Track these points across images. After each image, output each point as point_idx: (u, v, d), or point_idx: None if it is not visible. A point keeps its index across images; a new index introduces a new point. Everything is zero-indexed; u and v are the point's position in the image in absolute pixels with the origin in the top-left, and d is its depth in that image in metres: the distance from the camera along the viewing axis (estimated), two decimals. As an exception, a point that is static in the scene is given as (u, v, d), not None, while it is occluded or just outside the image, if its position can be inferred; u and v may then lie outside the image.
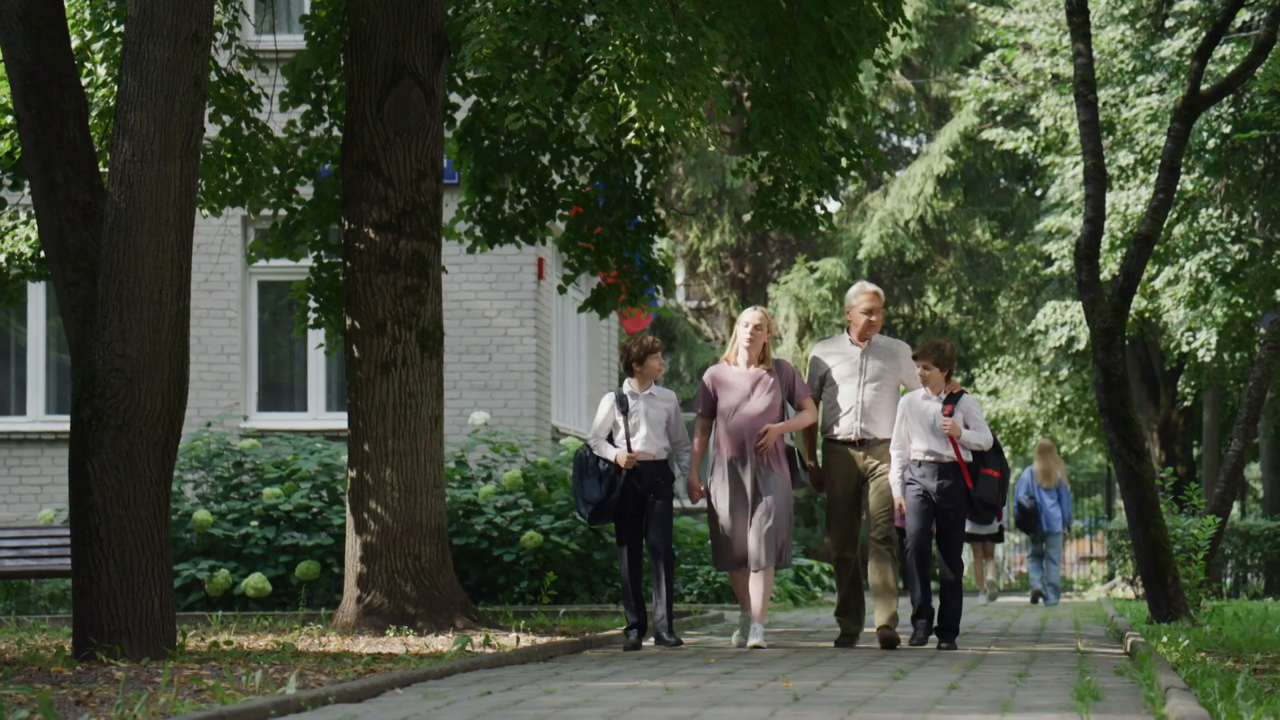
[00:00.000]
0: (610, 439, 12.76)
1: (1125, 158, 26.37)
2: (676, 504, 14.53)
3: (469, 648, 11.70)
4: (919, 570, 12.61)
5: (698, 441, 12.86)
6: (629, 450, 12.64)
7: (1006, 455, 38.54)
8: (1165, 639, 12.40)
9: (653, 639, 12.85)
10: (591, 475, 12.71)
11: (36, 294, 20.87)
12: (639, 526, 12.76)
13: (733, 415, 12.62)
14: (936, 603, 12.72)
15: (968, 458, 12.50)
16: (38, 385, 21.30)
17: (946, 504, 12.45)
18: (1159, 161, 16.40)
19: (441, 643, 12.32)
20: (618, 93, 12.68)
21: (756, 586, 12.59)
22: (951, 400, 12.52)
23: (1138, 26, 26.78)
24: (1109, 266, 25.08)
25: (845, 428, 12.86)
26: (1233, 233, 26.16)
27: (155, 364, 10.59)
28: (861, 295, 13.09)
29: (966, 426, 12.50)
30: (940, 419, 12.45)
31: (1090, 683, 8.77)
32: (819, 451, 13.21)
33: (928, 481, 12.46)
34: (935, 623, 12.68)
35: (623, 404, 12.77)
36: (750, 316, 12.85)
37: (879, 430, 12.81)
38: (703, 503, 12.94)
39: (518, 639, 12.64)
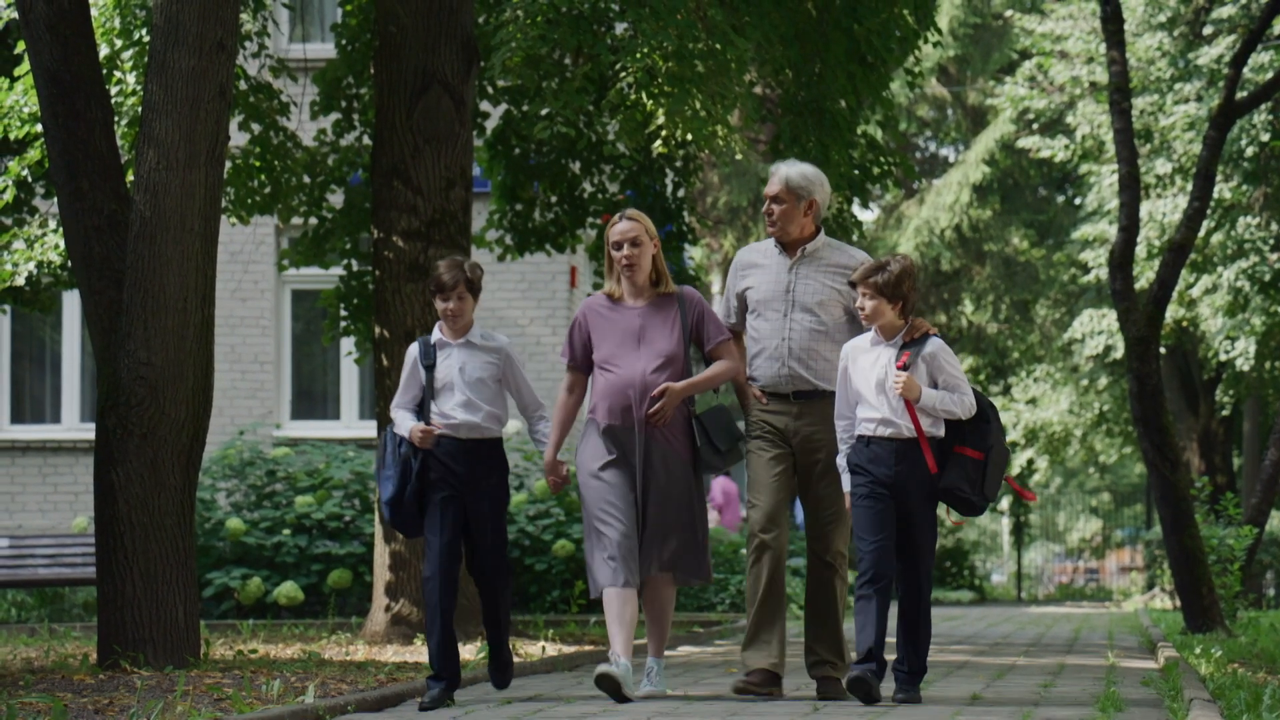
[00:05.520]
0: (421, 409, 8.94)
1: (1163, 166, 26.22)
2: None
3: (494, 657, 11.65)
4: (877, 603, 8.40)
5: (562, 404, 9.25)
6: (427, 422, 8.81)
7: (1044, 465, 37.63)
8: (1198, 650, 12.30)
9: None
10: (391, 462, 8.83)
11: (71, 302, 20.92)
12: (457, 535, 8.80)
13: (615, 368, 9.00)
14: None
15: (932, 430, 8.44)
16: (72, 393, 21.36)
17: (910, 499, 8.46)
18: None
19: (468, 652, 12.29)
20: (645, 101, 12.65)
21: (653, 605, 9.02)
22: (913, 346, 8.50)
23: (1175, 34, 26.65)
24: (1146, 275, 24.94)
25: (768, 374, 9.02)
26: (1271, 241, 25.97)
27: (180, 372, 10.59)
28: (773, 178, 9.19)
29: (935, 385, 8.48)
30: (891, 372, 8.45)
31: (1114, 693, 8.69)
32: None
33: (881, 470, 8.42)
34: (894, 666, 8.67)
35: (428, 356, 8.94)
36: (622, 228, 8.99)
37: (820, 379, 8.95)
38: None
39: (544, 648, 12.60)
